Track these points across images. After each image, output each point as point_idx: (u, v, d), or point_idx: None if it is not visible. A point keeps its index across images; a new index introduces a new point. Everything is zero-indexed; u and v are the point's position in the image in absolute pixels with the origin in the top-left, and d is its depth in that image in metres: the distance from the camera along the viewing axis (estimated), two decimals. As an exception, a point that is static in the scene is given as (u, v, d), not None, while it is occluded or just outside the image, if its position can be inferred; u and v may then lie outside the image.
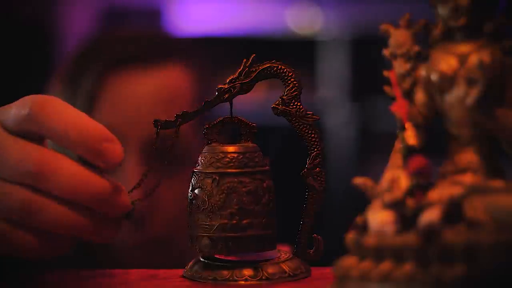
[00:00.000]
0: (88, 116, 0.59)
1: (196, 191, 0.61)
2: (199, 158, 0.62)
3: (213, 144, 0.62)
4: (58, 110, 0.58)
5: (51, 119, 0.58)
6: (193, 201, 0.61)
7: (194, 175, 0.62)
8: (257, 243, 0.61)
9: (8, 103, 0.60)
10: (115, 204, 0.58)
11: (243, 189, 0.60)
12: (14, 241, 0.58)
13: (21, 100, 0.59)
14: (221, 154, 0.61)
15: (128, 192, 0.60)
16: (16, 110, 0.59)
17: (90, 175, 0.58)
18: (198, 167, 0.62)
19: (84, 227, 0.58)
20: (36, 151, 0.57)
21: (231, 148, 0.61)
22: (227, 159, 0.61)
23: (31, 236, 0.58)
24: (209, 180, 0.61)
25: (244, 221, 0.60)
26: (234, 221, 0.60)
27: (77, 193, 0.57)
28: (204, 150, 0.62)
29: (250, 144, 0.62)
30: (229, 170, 0.61)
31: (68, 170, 0.57)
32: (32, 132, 0.58)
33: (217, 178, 0.60)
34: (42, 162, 0.57)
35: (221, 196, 0.60)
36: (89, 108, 1.01)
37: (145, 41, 1.09)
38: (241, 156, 0.61)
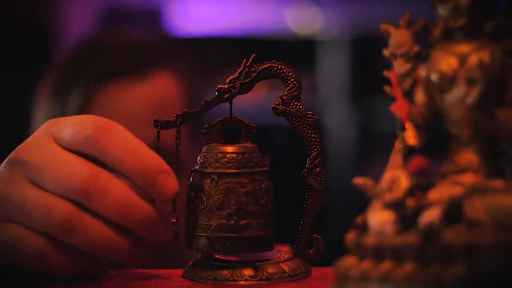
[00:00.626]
0: (147, 147, 0.58)
1: (194, 190, 0.61)
2: (198, 158, 0.62)
3: (212, 144, 0.62)
4: (118, 137, 0.58)
5: (110, 145, 0.58)
6: (192, 201, 0.61)
7: (193, 175, 0.62)
8: (254, 243, 0.61)
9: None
10: (158, 230, 0.58)
11: (242, 189, 0.60)
12: (50, 258, 0.58)
13: (80, 118, 0.59)
14: (220, 154, 0.61)
15: (169, 213, 0.60)
16: (75, 129, 0.58)
17: (138, 200, 0.57)
18: (197, 166, 0.62)
19: (122, 251, 0.58)
20: (88, 168, 0.57)
21: (230, 148, 0.61)
22: (226, 159, 0.61)
23: (67, 255, 0.58)
24: (208, 180, 0.61)
25: (242, 222, 0.60)
26: (232, 222, 0.60)
27: (122, 215, 0.57)
28: (203, 150, 0.62)
29: (249, 145, 0.62)
30: (228, 171, 0.60)
31: (117, 191, 0.57)
32: (87, 155, 0.58)
33: (216, 178, 0.60)
34: (92, 179, 0.57)
35: (219, 196, 0.60)
36: None
37: (131, 52, 1.08)
38: (240, 157, 0.61)
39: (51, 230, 0.57)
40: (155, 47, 1.14)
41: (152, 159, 0.58)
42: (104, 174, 0.57)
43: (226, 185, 0.60)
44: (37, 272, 0.59)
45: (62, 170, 0.57)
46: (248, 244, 0.60)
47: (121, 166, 0.58)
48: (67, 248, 0.58)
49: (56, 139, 0.59)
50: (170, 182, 0.58)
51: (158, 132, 0.61)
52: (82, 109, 1.02)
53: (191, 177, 0.62)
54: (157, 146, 0.61)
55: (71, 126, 0.59)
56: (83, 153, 0.58)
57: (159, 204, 0.59)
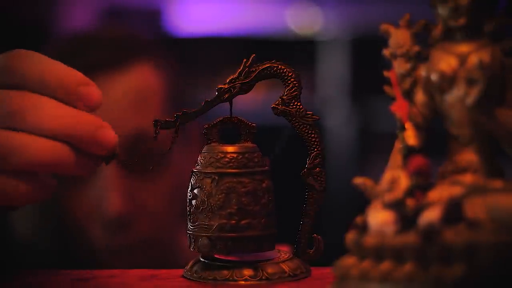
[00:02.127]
0: (65, 65, 0.59)
1: (195, 191, 0.61)
2: (199, 158, 0.62)
3: (213, 144, 0.62)
4: (33, 59, 0.59)
5: (27, 69, 0.58)
6: (192, 201, 0.61)
7: (194, 175, 0.62)
8: (256, 243, 0.61)
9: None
10: (99, 138, 0.58)
11: (242, 189, 0.60)
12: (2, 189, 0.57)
13: None
14: (220, 154, 0.61)
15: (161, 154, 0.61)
16: None
17: (71, 111, 0.58)
18: (198, 166, 0.62)
19: (66, 162, 0.58)
20: (12, 93, 0.58)
21: (230, 148, 0.61)
22: (227, 159, 0.61)
23: (13, 180, 0.58)
24: (209, 180, 0.61)
25: (243, 222, 0.60)
26: (233, 221, 0.60)
27: (57, 129, 0.57)
28: (204, 150, 0.62)
29: (250, 144, 0.62)
30: (229, 170, 0.60)
31: (49, 106, 0.58)
32: (9, 85, 0.58)
33: (217, 178, 0.60)
34: (18, 101, 0.57)
35: (220, 196, 0.60)
36: None
37: (111, 45, 1.09)
38: (240, 156, 0.61)
39: None
40: (137, 42, 1.15)
41: (70, 72, 0.59)
42: (28, 94, 0.58)
43: (227, 185, 0.60)
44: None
45: None
46: (249, 243, 0.60)
47: (43, 85, 0.58)
48: (11, 173, 0.57)
49: None
50: (92, 91, 0.59)
51: (157, 132, 0.61)
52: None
53: (192, 177, 0.62)
54: (154, 146, 0.61)
55: None
56: (9, 85, 0.58)
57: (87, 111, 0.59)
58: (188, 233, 0.62)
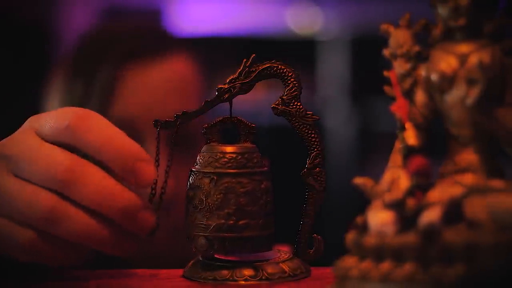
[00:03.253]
0: (126, 135, 0.59)
1: (193, 190, 0.61)
2: (198, 157, 0.62)
3: (212, 144, 0.62)
4: (97, 125, 0.59)
5: (89, 133, 0.58)
6: (191, 200, 0.61)
7: (192, 174, 0.62)
8: (253, 244, 0.61)
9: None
10: (139, 220, 0.58)
11: (241, 189, 0.60)
12: (40, 250, 0.58)
13: (60, 110, 0.60)
14: (219, 154, 0.61)
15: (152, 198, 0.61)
16: (55, 120, 0.59)
17: (118, 187, 0.58)
18: (197, 166, 0.62)
19: (106, 240, 0.58)
20: (67, 157, 0.58)
21: (229, 148, 0.61)
22: (226, 159, 0.61)
23: (56, 246, 0.58)
24: (207, 180, 0.61)
25: (241, 222, 0.60)
26: (231, 222, 0.60)
27: (102, 203, 0.57)
28: (203, 149, 0.62)
29: (249, 145, 0.62)
30: (227, 170, 0.60)
31: (96, 179, 0.57)
32: (68, 145, 0.58)
33: (215, 178, 0.60)
34: (71, 168, 0.57)
35: (218, 196, 0.60)
36: (105, 101, 1.03)
37: (150, 35, 1.12)
38: (239, 157, 0.61)
39: (36, 221, 0.57)
40: (169, 34, 1.20)
41: (131, 146, 0.58)
42: (83, 162, 0.58)
43: (226, 185, 0.60)
44: (32, 264, 0.60)
45: (42, 161, 0.58)
46: (247, 244, 0.60)
47: (100, 153, 0.58)
48: (55, 239, 0.58)
49: (37, 133, 0.59)
50: (148, 170, 0.58)
51: (158, 132, 0.61)
52: (107, 89, 1.03)
53: (190, 177, 0.62)
54: (157, 146, 0.61)
55: (52, 118, 0.59)
56: (64, 143, 0.58)
57: (138, 191, 0.59)
58: (186, 232, 0.62)
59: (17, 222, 0.58)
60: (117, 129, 0.59)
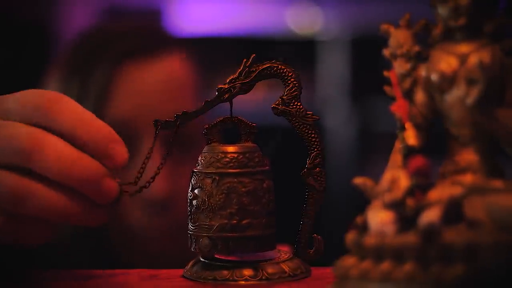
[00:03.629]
0: (97, 117, 0.59)
1: (196, 191, 0.61)
2: (199, 158, 0.62)
3: (213, 144, 0.62)
4: (68, 107, 0.58)
5: (60, 115, 0.58)
6: (193, 201, 0.61)
7: (194, 175, 0.62)
8: (256, 243, 0.61)
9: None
10: (102, 187, 0.58)
11: (243, 189, 0.60)
12: (13, 231, 0.57)
13: (26, 92, 0.59)
14: (221, 154, 0.61)
15: (146, 185, 0.61)
16: (22, 101, 0.58)
17: (79, 155, 0.57)
18: (198, 167, 0.62)
19: (73, 212, 0.57)
20: (27, 129, 0.57)
21: (231, 148, 0.61)
22: (227, 159, 0.61)
23: (24, 224, 0.57)
24: (209, 180, 0.61)
25: (244, 221, 0.60)
26: (234, 221, 0.60)
27: (64, 172, 0.57)
28: (204, 150, 0.62)
29: (250, 144, 0.62)
30: (229, 170, 0.60)
31: (57, 147, 0.57)
32: (36, 124, 0.58)
33: (217, 178, 0.60)
34: (29, 137, 0.57)
35: (220, 196, 0.60)
36: (102, 100, 1.02)
37: (146, 35, 1.11)
38: (241, 156, 0.61)
39: (2, 204, 0.57)
40: (165, 33, 1.20)
41: (103, 128, 0.58)
42: (43, 133, 0.57)
43: (228, 185, 0.60)
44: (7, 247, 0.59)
45: (3, 137, 0.57)
46: (250, 243, 0.60)
47: (72, 135, 0.58)
48: (24, 218, 0.57)
49: (0, 113, 0.59)
50: (120, 151, 0.58)
51: (157, 132, 0.61)
52: (103, 89, 1.03)
53: (192, 178, 0.62)
54: (152, 146, 0.61)
55: (18, 99, 0.59)
56: (33, 123, 0.58)
57: (112, 172, 0.59)
58: (189, 233, 0.62)
59: None
60: (88, 112, 0.59)
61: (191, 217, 0.61)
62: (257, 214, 0.60)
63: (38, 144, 0.56)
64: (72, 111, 0.58)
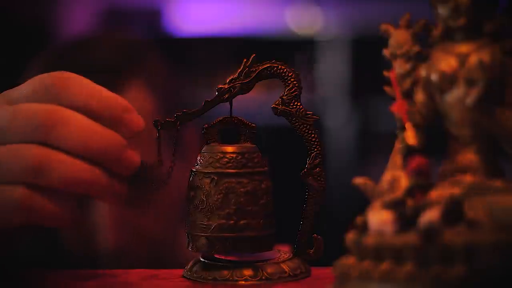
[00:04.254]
0: (108, 89, 0.59)
1: (194, 190, 0.61)
2: (198, 158, 0.62)
3: (212, 144, 0.62)
4: (78, 82, 0.59)
5: (72, 90, 0.58)
6: (191, 201, 0.61)
7: (193, 174, 0.62)
8: (254, 243, 0.61)
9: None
10: (123, 158, 0.58)
11: (241, 189, 0.60)
12: (34, 206, 0.57)
13: (35, 78, 0.60)
14: (220, 154, 0.61)
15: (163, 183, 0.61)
16: (32, 86, 0.59)
17: (99, 127, 0.58)
18: (197, 166, 0.62)
19: (95, 183, 0.58)
20: (46, 107, 0.58)
21: (230, 148, 0.61)
22: (226, 159, 0.61)
23: (45, 198, 0.57)
24: (208, 180, 0.61)
25: (242, 222, 0.60)
26: (232, 222, 0.60)
27: (85, 144, 0.57)
28: (203, 149, 0.62)
29: (249, 145, 0.62)
30: (228, 171, 0.60)
31: (77, 120, 0.57)
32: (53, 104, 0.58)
33: (216, 178, 0.60)
34: (50, 111, 0.57)
35: (219, 196, 0.60)
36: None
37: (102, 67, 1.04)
38: (240, 157, 0.61)
39: (25, 176, 0.57)
40: (128, 61, 1.09)
41: (116, 99, 0.59)
42: (61, 108, 0.58)
43: (226, 185, 0.60)
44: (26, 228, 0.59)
45: (21, 116, 0.57)
46: (247, 244, 0.60)
47: (86, 107, 0.58)
48: (46, 192, 0.57)
49: (12, 103, 0.59)
50: (135, 119, 0.59)
51: (159, 132, 0.61)
52: None
53: (191, 177, 0.62)
54: (158, 147, 0.61)
55: (28, 85, 0.59)
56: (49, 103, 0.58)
57: (128, 141, 0.59)
58: (187, 233, 0.62)
59: (6, 182, 0.57)
60: (99, 86, 0.59)
61: (189, 216, 0.61)
62: (255, 215, 0.60)
63: (57, 119, 0.57)
64: (82, 85, 0.59)
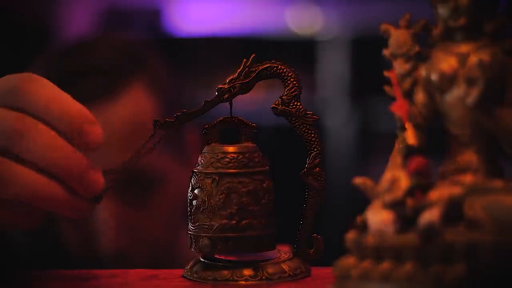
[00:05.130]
0: (72, 98, 0.58)
1: (195, 191, 0.61)
2: (199, 158, 0.62)
3: (213, 144, 0.62)
4: (42, 86, 0.58)
5: (35, 94, 0.57)
6: (193, 201, 0.61)
7: (194, 175, 0.62)
8: (256, 243, 0.61)
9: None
10: (86, 180, 0.57)
11: (243, 189, 0.60)
12: None
13: (3, 78, 0.59)
14: (220, 154, 0.61)
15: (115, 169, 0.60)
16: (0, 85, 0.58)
17: (65, 144, 0.57)
18: (198, 167, 0.62)
19: (56, 200, 0.57)
20: (12, 113, 0.57)
21: (231, 148, 0.61)
22: (227, 159, 0.61)
23: (5, 209, 0.57)
24: (209, 180, 0.61)
25: (244, 222, 0.60)
26: (234, 222, 0.60)
27: (48, 160, 0.56)
28: (204, 150, 0.62)
29: (250, 144, 0.62)
30: (229, 171, 0.60)
31: (42, 133, 0.57)
32: (14, 107, 0.57)
33: (217, 178, 0.60)
34: (16, 122, 0.56)
35: (220, 197, 0.60)
36: None
37: (101, 71, 1.03)
38: (240, 156, 0.61)
39: None
40: (128, 63, 1.07)
41: (78, 107, 0.58)
42: (29, 119, 0.57)
43: (227, 185, 0.60)
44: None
45: None
46: (250, 244, 0.60)
47: (47, 114, 0.57)
48: (5, 203, 0.57)
49: None
50: (96, 131, 0.58)
51: (154, 132, 0.61)
52: None
53: (192, 178, 0.62)
54: (155, 144, 0.61)
55: None
56: (13, 107, 0.57)
57: (86, 153, 0.58)
58: (189, 234, 0.62)
59: None
60: (63, 92, 0.58)
61: (191, 217, 0.62)
62: (257, 214, 0.60)
63: (27, 129, 0.56)
64: (46, 89, 0.58)
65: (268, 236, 0.61)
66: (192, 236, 0.61)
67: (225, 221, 0.60)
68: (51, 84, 0.59)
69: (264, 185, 0.61)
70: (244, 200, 0.60)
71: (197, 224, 0.61)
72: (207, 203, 0.60)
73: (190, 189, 0.62)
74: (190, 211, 0.62)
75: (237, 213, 0.60)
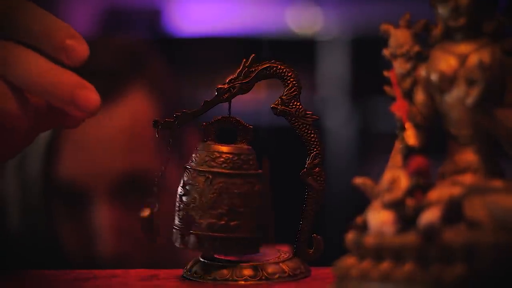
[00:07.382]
0: (54, 16, 0.57)
1: (187, 187, 0.61)
2: (193, 155, 0.62)
3: (208, 142, 0.62)
4: (23, 6, 0.57)
5: (15, 13, 0.56)
6: (183, 197, 0.61)
7: (187, 172, 0.61)
8: (241, 245, 0.60)
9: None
10: (77, 98, 0.55)
11: (235, 190, 0.60)
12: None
13: None
14: (216, 154, 0.61)
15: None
16: None
17: (53, 66, 0.56)
18: (192, 163, 0.61)
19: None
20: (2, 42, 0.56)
21: (226, 148, 0.61)
22: (222, 159, 0.61)
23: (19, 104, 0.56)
24: (202, 178, 0.60)
25: (232, 223, 0.60)
26: (223, 222, 0.60)
27: (37, 81, 0.55)
28: (199, 147, 0.62)
29: (245, 146, 0.62)
30: (223, 171, 0.60)
31: (31, 57, 0.56)
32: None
33: (210, 177, 0.60)
34: (4, 49, 0.56)
35: (212, 196, 0.60)
36: (52, 158, 1.00)
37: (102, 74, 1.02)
38: (235, 158, 0.61)
39: None
40: (128, 55, 1.09)
41: (59, 24, 0.57)
42: (13, 43, 0.56)
43: (220, 185, 0.60)
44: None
45: None
46: (235, 245, 0.60)
47: (28, 33, 0.56)
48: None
49: None
50: (79, 46, 0.56)
51: (158, 132, 0.61)
52: (52, 140, 1.00)
53: (185, 174, 0.61)
54: (168, 148, 0.61)
55: None
56: None
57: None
58: (175, 229, 0.61)
59: None
60: (45, 11, 0.57)
61: (179, 213, 0.61)
62: (246, 217, 0.60)
63: (9, 54, 0.55)
64: (27, 9, 0.57)
65: (253, 239, 0.61)
66: (178, 231, 0.61)
67: (214, 220, 0.60)
68: (32, 4, 0.58)
69: (256, 188, 0.61)
70: (235, 201, 0.60)
71: (186, 220, 0.61)
72: (198, 200, 0.60)
73: (181, 185, 0.61)
74: (179, 206, 0.61)
75: (226, 213, 0.60)
